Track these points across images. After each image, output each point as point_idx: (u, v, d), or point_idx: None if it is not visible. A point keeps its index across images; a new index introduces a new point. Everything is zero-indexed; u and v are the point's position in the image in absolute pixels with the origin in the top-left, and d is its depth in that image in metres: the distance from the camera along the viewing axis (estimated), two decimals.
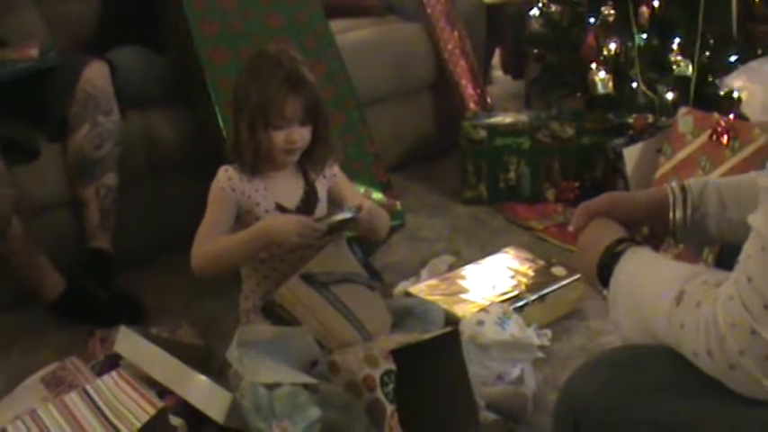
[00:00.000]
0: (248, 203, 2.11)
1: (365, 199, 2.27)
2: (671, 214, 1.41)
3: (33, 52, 2.54)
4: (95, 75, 2.60)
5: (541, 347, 2.22)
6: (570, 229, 1.42)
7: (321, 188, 2.20)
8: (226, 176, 2.11)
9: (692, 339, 1.06)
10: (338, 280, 2.04)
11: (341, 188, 2.25)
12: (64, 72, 2.58)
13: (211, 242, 2.07)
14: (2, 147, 2.45)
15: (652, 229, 1.43)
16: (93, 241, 2.66)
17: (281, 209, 2.12)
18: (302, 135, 2.08)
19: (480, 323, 2.17)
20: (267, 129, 2.04)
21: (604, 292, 1.27)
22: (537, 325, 2.28)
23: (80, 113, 2.58)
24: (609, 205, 1.40)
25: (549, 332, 2.31)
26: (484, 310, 2.26)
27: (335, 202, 2.24)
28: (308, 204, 2.16)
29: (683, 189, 1.41)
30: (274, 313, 2.01)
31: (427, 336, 1.89)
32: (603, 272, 1.27)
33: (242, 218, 2.13)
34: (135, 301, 2.61)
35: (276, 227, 2.03)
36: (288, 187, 2.16)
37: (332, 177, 2.23)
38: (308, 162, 2.16)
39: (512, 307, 2.32)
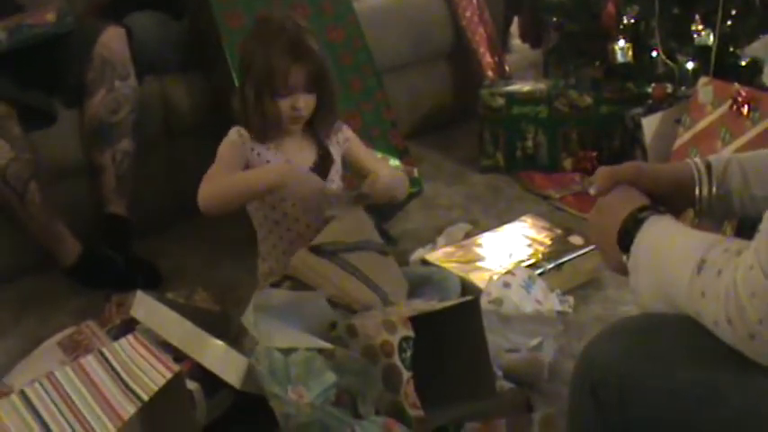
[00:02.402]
0: (258, 161, 2.13)
1: (383, 162, 2.28)
2: (696, 191, 1.39)
3: (50, 17, 2.53)
4: (112, 40, 2.59)
5: (561, 313, 2.23)
6: (592, 191, 1.41)
7: (335, 152, 2.22)
8: (237, 133, 2.14)
9: (713, 308, 1.05)
10: (348, 249, 2.05)
11: (356, 153, 2.28)
12: (80, 37, 2.57)
13: (217, 180, 2.09)
14: (18, 112, 2.46)
15: (672, 203, 1.42)
16: (110, 206, 2.66)
17: None
18: (307, 103, 2.11)
19: (507, 285, 2.18)
20: (273, 96, 2.07)
21: (624, 259, 1.26)
22: (560, 291, 2.27)
23: (97, 78, 2.57)
24: (635, 174, 1.39)
25: (570, 298, 2.31)
26: (510, 272, 2.26)
27: (353, 167, 2.26)
28: (322, 166, 2.19)
29: (708, 166, 1.40)
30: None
31: (447, 303, 1.89)
32: (625, 238, 1.26)
33: None
34: (151, 266, 2.62)
35: (293, 173, 2.07)
36: (299, 149, 2.19)
37: (345, 142, 2.25)
38: (315, 126, 2.19)
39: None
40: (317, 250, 2.02)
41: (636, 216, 1.26)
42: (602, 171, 1.40)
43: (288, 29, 2.07)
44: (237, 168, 2.12)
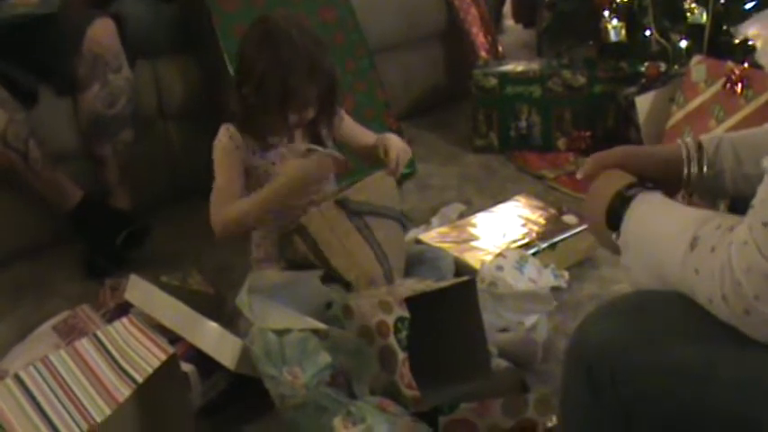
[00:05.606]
0: (253, 158, 2.11)
1: (376, 136, 2.27)
2: (685, 170, 1.39)
3: None
4: (100, 33, 2.55)
5: (556, 289, 2.24)
6: (578, 175, 1.41)
7: (326, 134, 2.22)
8: (228, 134, 2.10)
9: (707, 285, 1.05)
10: (372, 212, 2.06)
11: (349, 129, 2.28)
12: (69, 26, 2.54)
13: (231, 206, 2.07)
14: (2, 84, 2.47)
15: (663, 185, 1.41)
16: (113, 200, 2.68)
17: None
18: (313, 111, 2.11)
19: (499, 268, 2.18)
20: (284, 112, 2.05)
21: (614, 237, 1.26)
22: (554, 266, 2.28)
23: (89, 73, 2.54)
24: (623, 158, 1.39)
25: (566, 273, 2.31)
26: (501, 255, 2.26)
27: (348, 143, 2.28)
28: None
29: (699, 145, 1.40)
30: (289, 245, 2.03)
31: (444, 284, 1.89)
32: (613, 217, 1.26)
33: (250, 173, 2.13)
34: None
35: (294, 167, 2.05)
36: (294, 142, 2.17)
37: (339, 121, 2.24)
38: (317, 125, 2.18)
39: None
40: (343, 205, 2.02)
41: (623, 194, 1.27)
42: (592, 158, 1.41)
43: (302, 47, 2.01)
44: (240, 179, 2.10)
